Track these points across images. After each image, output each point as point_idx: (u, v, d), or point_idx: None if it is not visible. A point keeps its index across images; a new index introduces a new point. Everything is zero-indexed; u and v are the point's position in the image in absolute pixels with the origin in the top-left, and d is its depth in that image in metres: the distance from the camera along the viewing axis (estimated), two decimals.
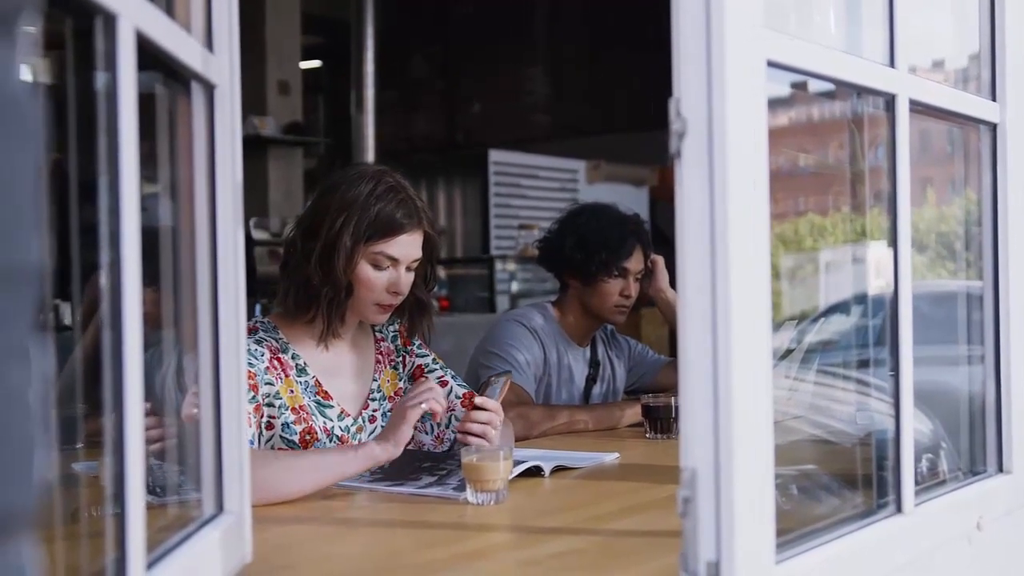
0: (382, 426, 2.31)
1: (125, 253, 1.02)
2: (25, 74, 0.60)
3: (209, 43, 1.36)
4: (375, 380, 2.37)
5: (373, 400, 2.36)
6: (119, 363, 1.01)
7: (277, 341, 2.24)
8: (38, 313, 0.61)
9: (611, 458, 2.37)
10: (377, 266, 2.21)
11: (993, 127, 1.83)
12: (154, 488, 1.36)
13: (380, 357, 2.41)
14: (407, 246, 2.23)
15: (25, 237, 0.59)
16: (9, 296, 0.58)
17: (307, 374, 2.25)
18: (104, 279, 1.02)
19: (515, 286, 7.61)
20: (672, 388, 3.01)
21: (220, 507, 1.38)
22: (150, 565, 1.10)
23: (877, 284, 1.91)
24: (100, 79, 1.02)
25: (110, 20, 1.00)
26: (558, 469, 2.20)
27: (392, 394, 2.39)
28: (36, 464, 0.60)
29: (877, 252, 1.90)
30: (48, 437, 0.62)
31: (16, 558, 0.58)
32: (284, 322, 2.28)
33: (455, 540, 1.69)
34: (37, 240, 0.60)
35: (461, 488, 1.92)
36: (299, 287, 2.22)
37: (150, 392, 1.09)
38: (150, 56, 1.12)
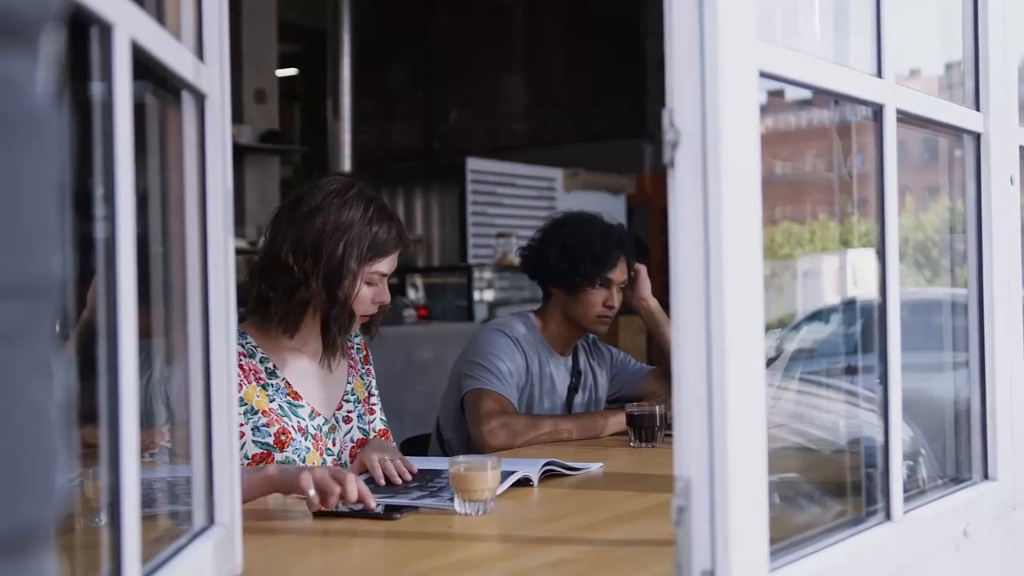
0: (358, 427, 2.42)
1: (120, 262, 1.01)
2: (46, 86, 0.59)
3: (200, 53, 1.36)
4: (349, 383, 2.44)
5: (348, 401, 2.43)
6: (115, 374, 1.01)
7: (243, 346, 2.28)
8: (57, 326, 0.60)
9: (596, 467, 2.37)
10: (370, 283, 2.31)
11: (977, 136, 1.85)
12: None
13: (352, 363, 2.48)
14: (394, 261, 2.35)
15: (47, 249, 0.58)
16: (31, 309, 0.57)
17: (277, 376, 2.30)
18: (99, 289, 1.02)
19: (493, 294, 7.59)
20: (654, 396, 3.02)
21: (211, 519, 1.37)
22: None
23: (857, 292, 1.92)
24: (95, 88, 1.02)
25: (106, 30, 0.99)
26: (547, 475, 2.20)
27: (363, 399, 2.47)
28: (57, 480, 0.60)
29: (856, 260, 1.91)
30: (68, 452, 0.62)
31: (38, 572, 0.58)
32: (257, 328, 2.33)
33: (446, 550, 1.68)
34: (59, 253, 0.60)
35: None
36: (298, 307, 2.27)
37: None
38: (142, 65, 1.12)
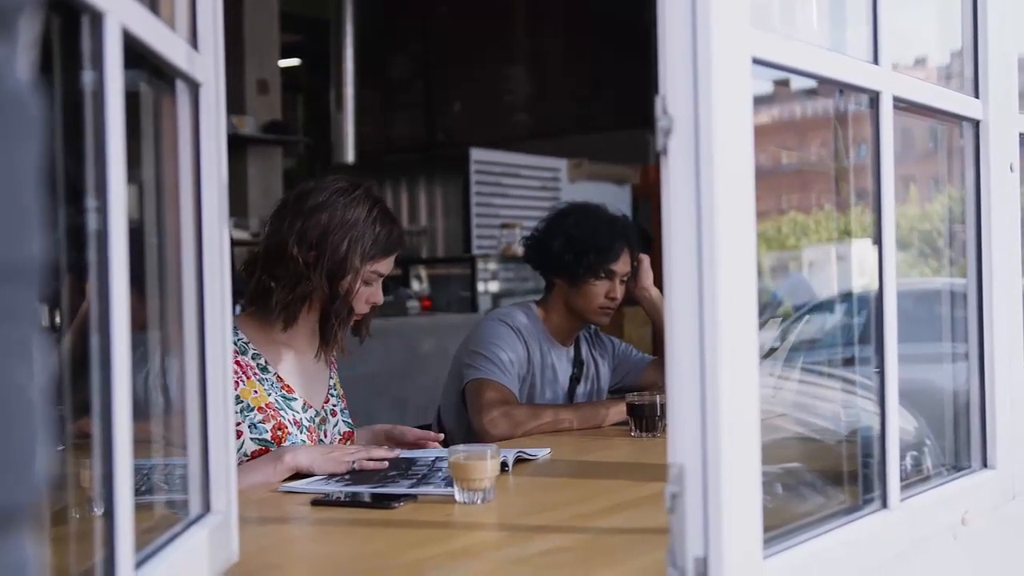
0: (343, 420, 2.47)
1: (113, 253, 1.01)
2: (25, 72, 0.60)
3: (194, 41, 1.36)
4: (331, 378, 2.49)
5: (332, 396, 2.47)
6: (107, 364, 1.01)
7: (236, 343, 2.29)
8: (38, 309, 0.61)
9: (543, 453, 2.40)
10: (367, 282, 2.34)
11: (976, 123, 1.84)
12: (138, 488, 1.35)
13: (333, 359, 2.51)
14: (392, 263, 2.40)
15: (28, 233, 0.59)
16: (13, 292, 0.58)
17: (269, 372, 2.33)
18: (90, 280, 1.02)
19: (497, 285, 7.59)
20: (656, 386, 3.02)
21: (207, 507, 1.38)
22: (138, 564, 1.09)
23: (860, 282, 1.92)
24: (86, 77, 1.02)
25: (97, 18, 0.99)
26: (519, 461, 2.26)
27: (341, 394, 2.52)
28: (38, 461, 0.60)
29: (860, 250, 1.91)
30: (49, 433, 0.62)
31: (19, 553, 0.58)
32: (249, 323, 2.36)
33: (443, 539, 1.69)
34: (39, 237, 0.60)
35: (451, 483, 1.91)
36: (299, 300, 2.30)
37: (133, 393, 1.09)
38: (135, 54, 1.12)
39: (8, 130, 0.57)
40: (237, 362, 2.26)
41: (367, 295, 2.35)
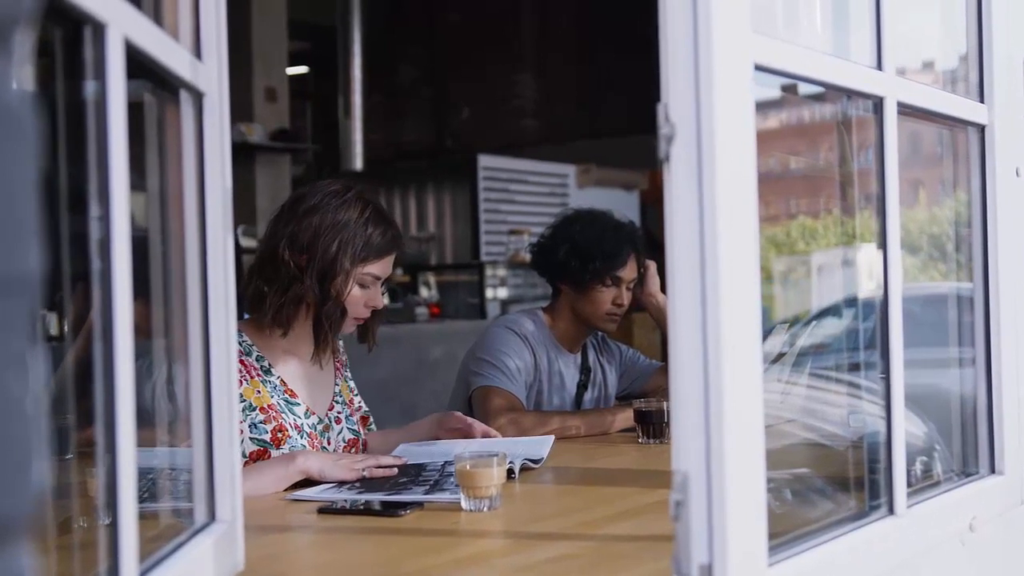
0: (347, 428, 2.46)
1: (115, 262, 1.02)
2: (22, 83, 0.60)
3: (197, 51, 1.36)
4: (336, 385, 2.49)
5: (337, 403, 2.47)
6: (111, 372, 1.01)
7: (240, 345, 2.30)
8: (35, 321, 0.61)
9: (548, 441, 2.44)
10: (362, 285, 2.34)
11: (981, 128, 1.84)
12: (143, 496, 1.36)
13: (339, 366, 2.53)
14: (389, 265, 2.38)
15: (24, 245, 0.59)
16: (8, 304, 0.58)
17: (273, 375, 2.33)
18: (94, 289, 1.02)
19: (505, 292, 7.59)
20: (664, 392, 3.01)
21: (212, 516, 1.38)
22: (143, 574, 1.09)
23: (869, 287, 1.92)
24: (89, 87, 1.02)
25: (99, 29, 1.00)
26: (525, 469, 2.25)
27: (348, 401, 2.51)
28: (34, 471, 0.61)
29: (868, 255, 1.90)
30: (45, 444, 0.62)
31: (15, 564, 0.58)
32: (252, 327, 2.36)
33: (449, 547, 1.68)
34: (35, 248, 0.60)
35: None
36: (292, 303, 2.30)
37: (140, 402, 1.09)
38: (138, 64, 1.12)
39: (4, 142, 0.57)
40: (241, 362, 2.27)
41: (365, 298, 2.34)
